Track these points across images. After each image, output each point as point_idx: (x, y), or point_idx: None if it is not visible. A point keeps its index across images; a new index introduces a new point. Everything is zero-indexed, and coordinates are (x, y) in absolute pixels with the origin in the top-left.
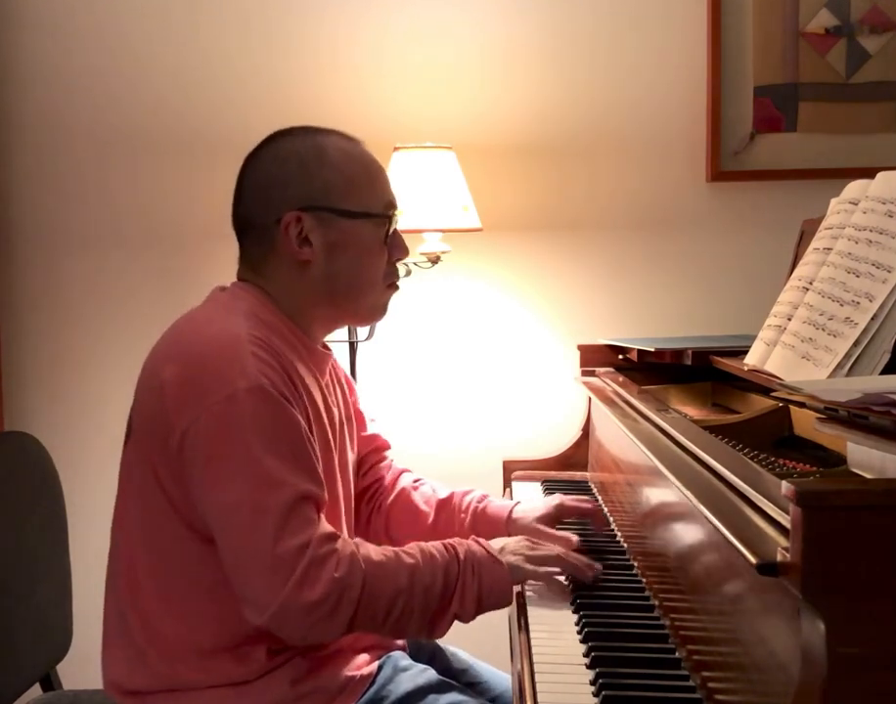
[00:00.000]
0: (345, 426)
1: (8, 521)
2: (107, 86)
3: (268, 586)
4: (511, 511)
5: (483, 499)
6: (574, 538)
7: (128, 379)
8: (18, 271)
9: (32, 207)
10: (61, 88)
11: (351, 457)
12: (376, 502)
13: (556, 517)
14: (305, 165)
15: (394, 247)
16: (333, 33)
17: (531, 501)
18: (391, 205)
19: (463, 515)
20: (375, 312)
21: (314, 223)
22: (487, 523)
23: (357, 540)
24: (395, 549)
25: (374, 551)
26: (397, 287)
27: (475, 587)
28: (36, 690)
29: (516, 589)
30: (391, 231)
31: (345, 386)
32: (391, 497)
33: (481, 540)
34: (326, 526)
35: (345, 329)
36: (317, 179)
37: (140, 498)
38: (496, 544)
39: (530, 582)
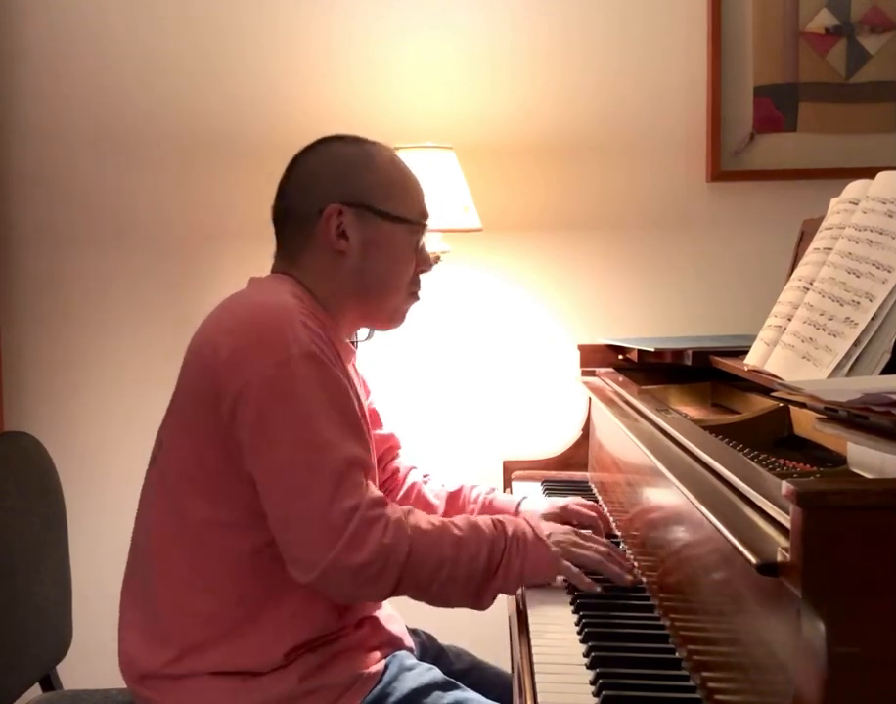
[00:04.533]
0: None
1: (8, 521)
2: (107, 86)
3: (319, 545)
4: (518, 505)
5: (492, 491)
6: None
7: (128, 379)
8: (18, 271)
9: (33, 207)
10: (61, 88)
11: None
12: (388, 497)
13: (560, 518)
14: (353, 166)
15: (422, 259)
16: (333, 32)
17: (537, 499)
18: (425, 215)
19: (472, 506)
20: (395, 317)
21: (354, 218)
22: (495, 514)
23: (408, 507)
24: (444, 519)
25: (423, 520)
26: (417, 298)
27: (519, 564)
28: (36, 690)
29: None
30: (421, 242)
31: (362, 384)
32: (401, 492)
33: (531, 519)
34: (374, 490)
35: None
36: (362, 180)
37: (175, 472)
38: (544, 528)
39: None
